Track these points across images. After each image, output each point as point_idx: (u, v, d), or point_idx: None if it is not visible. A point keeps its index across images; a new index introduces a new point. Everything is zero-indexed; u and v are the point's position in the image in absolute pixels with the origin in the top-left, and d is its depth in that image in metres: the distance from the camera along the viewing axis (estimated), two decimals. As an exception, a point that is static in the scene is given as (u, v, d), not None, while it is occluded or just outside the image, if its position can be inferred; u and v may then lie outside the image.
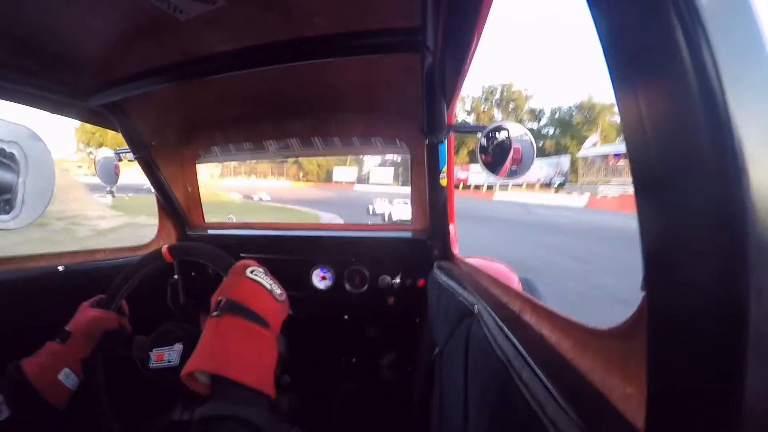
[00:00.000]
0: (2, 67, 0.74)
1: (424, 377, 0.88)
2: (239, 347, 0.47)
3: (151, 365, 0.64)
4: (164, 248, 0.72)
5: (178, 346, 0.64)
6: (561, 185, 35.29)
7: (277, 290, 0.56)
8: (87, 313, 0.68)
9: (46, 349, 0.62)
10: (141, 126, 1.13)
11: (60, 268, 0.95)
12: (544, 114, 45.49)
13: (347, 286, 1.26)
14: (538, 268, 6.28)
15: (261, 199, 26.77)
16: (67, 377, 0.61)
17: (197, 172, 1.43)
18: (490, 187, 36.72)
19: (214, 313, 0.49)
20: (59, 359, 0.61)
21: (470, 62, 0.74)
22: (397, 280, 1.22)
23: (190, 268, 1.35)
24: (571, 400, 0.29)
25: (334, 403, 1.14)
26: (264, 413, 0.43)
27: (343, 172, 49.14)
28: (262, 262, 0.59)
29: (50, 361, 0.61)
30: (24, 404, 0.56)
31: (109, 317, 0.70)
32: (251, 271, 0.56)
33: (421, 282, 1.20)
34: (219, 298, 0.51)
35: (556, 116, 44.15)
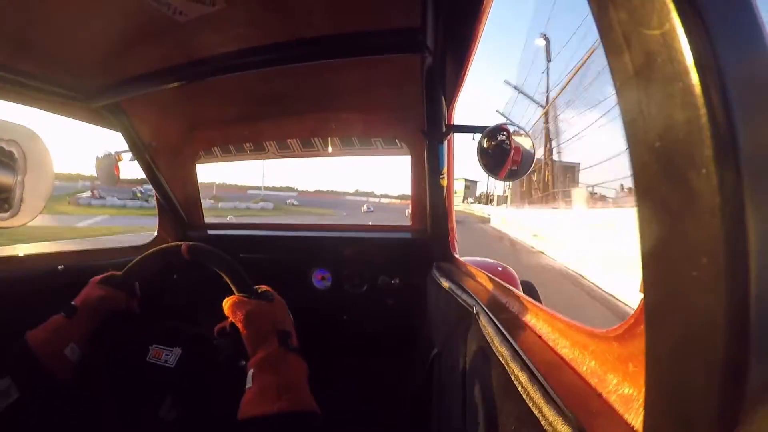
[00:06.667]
0: (3, 68, 0.74)
1: (423, 378, 0.87)
2: (302, 380, 0.54)
3: (147, 358, 0.63)
4: (184, 245, 0.70)
5: (177, 350, 0.63)
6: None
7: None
8: (96, 290, 0.68)
9: (51, 323, 0.61)
10: (141, 126, 1.13)
11: (60, 267, 0.94)
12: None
13: (346, 287, 1.26)
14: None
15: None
16: (72, 352, 0.61)
17: (197, 173, 1.43)
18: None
19: (281, 348, 0.54)
20: (65, 333, 0.61)
21: (470, 62, 0.74)
22: (396, 281, 1.21)
23: (191, 268, 1.35)
24: (569, 401, 0.29)
25: (333, 403, 1.14)
26: None
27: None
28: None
29: (56, 336, 0.60)
30: (30, 379, 0.56)
31: (117, 297, 0.69)
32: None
33: (419, 283, 1.20)
34: (278, 329, 0.56)
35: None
